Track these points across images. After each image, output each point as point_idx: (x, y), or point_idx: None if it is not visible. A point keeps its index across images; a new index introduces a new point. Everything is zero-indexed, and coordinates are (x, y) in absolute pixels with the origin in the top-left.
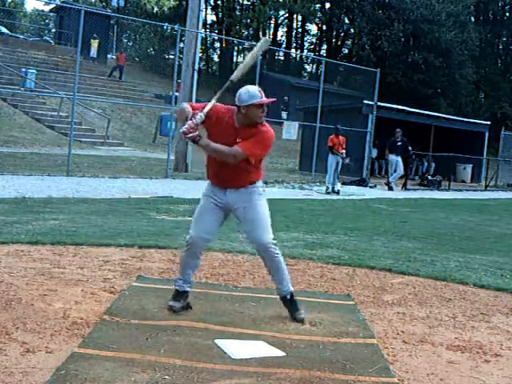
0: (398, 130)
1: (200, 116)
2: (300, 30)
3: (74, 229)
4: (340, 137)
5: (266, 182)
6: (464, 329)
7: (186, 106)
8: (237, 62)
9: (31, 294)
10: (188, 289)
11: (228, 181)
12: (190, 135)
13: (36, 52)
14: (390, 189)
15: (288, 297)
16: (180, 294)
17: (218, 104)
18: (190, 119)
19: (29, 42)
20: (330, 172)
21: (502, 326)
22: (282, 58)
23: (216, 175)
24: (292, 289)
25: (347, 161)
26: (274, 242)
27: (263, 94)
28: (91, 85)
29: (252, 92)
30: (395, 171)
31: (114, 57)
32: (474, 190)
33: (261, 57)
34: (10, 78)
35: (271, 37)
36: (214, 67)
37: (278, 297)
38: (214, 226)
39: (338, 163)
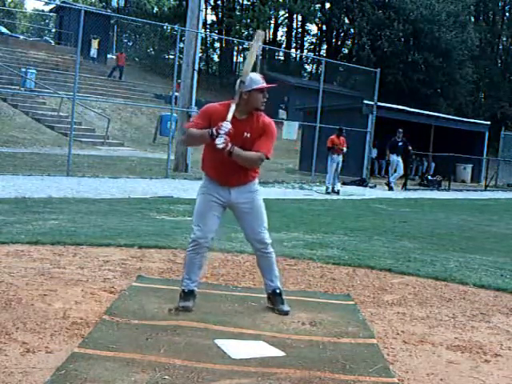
0: (399, 130)
1: (226, 125)
2: (300, 30)
3: (73, 229)
4: (341, 137)
5: (265, 183)
6: (464, 329)
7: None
8: (237, 61)
9: (31, 294)
10: (195, 288)
11: (231, 178)
12: (228, 148)
13: (36, 52)
14: (391, 189)
15: (278, 291)
16: (188, 294)
17: (210, 104)
18: (218, 132)
19: (29, 42)
20: (331, 172)
21: (502, 325)
22: (282, 58)
23: (219, 172)
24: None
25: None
26: (270, 240)
27: (264, 80)
28: (91, 85)
29: (254, 78)
30: (395, 171)
31: (114, 57)
32: (474, 190)
33: (260, 57)
34: (10, 78)
35: (271, 37)
36: (213, 67)
37: (266, 293)
38: (216, 223)
39: (338, 163)
